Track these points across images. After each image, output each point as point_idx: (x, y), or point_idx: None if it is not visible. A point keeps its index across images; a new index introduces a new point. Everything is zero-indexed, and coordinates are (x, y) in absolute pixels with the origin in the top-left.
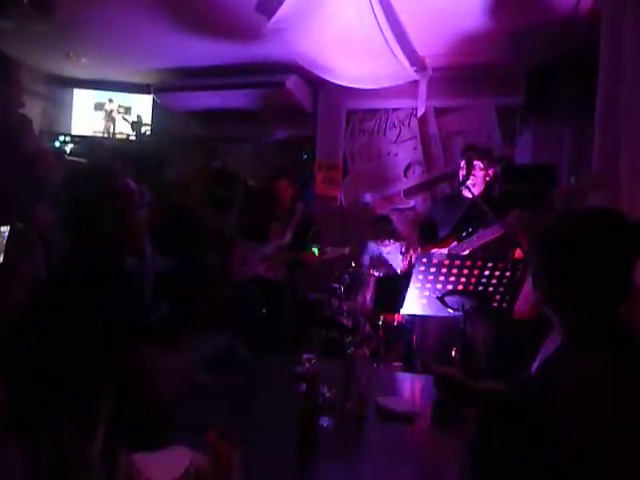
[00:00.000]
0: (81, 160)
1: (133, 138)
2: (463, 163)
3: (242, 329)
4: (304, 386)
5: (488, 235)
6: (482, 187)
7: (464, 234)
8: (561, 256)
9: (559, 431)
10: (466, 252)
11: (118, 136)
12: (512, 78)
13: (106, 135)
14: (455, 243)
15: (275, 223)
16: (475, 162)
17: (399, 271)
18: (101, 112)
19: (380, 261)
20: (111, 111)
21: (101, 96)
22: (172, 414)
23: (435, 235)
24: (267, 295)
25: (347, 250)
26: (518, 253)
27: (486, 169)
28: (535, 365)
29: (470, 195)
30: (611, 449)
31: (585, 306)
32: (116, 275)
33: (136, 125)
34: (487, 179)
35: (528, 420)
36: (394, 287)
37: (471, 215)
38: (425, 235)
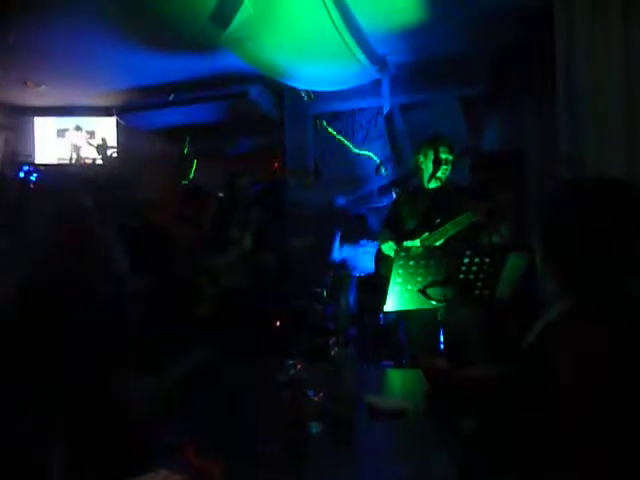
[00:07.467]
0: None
1: (99, 162)
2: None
3: (221, 341)
4: (290, 393)
5: (461, 223)
6: (446, 175)
7: (436, 222)
8: (566, 225)
9: (562, 393)
10: (440, 242)
11: (84, 161)
12: (474, 68)
13: (72, 161)
14: (427, 234)
15: (233, 230)
16: (442, 155)
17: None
18: (64, 139)
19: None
20: (75, 136)
21: (63, 122)
22: (153, 437)
23: (402, 229)
24: (238, 304)
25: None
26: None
27: (452, 157)
28: (532, 335)
29: (436, 185)
30: (610, 408)
31: (591, 277)
32: (89, 298)
33: (101, 148)
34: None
35: (532, 383)
36: (376, 287)
37: (438, 204)
38: (392, 230)
